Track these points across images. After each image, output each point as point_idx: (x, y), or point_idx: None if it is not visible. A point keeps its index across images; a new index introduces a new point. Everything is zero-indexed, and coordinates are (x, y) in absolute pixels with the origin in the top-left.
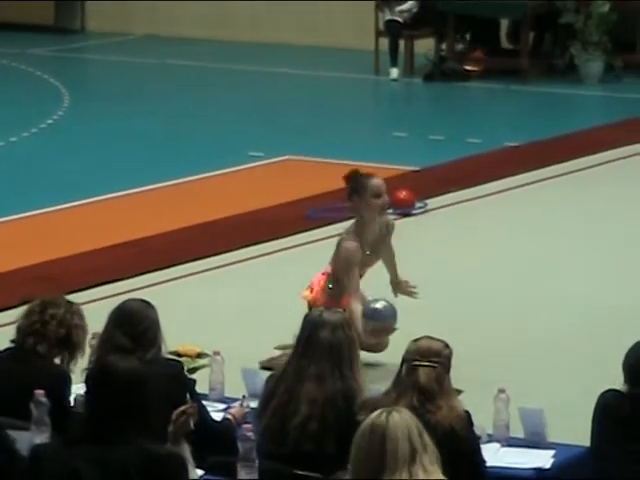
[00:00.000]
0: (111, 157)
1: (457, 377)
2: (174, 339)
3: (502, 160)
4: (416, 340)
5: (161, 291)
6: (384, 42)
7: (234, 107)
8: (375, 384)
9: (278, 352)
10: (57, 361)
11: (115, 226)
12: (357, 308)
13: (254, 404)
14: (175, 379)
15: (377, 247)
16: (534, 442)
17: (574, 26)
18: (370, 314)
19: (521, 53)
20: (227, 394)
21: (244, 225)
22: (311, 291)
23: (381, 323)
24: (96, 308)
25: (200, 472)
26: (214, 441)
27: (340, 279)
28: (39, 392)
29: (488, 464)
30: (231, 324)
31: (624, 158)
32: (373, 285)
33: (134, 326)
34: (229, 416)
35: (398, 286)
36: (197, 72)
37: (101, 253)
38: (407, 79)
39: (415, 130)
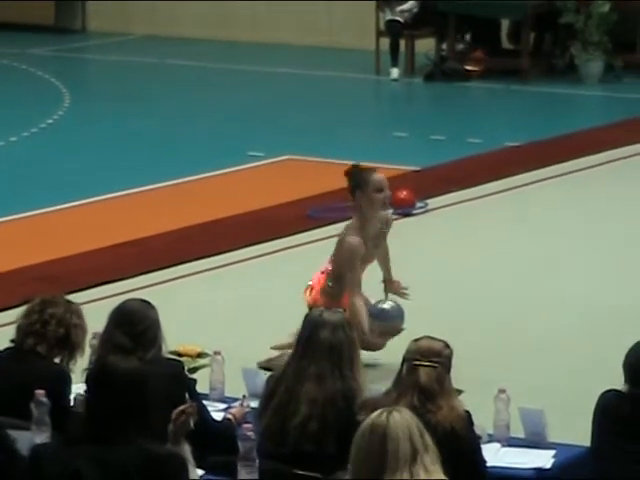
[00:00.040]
0: (111, 157)
1: (457, 377)
2: (174, 339)
3: (503, 160)
4: (417, 340)
5: (162, 291)
6: (385, 42)
7: (234, 107)
8: (375, 384)
9: (275, 352)
10: (57, 361)
11: (115, 226)
12: (359, 304)
13: (254, 404)
14: (175, 379)
15: (378, 242)
16: (534, 442)
17: (574, 26)
18: (377, 314)
19: (522, 53)
20: (227, 394)
21: (245, 225)
22: (311, 290)
23: (388, 324)
24: (97, 308)
25: (200, 472)
26: (214, 441)
27: (342, 275)
28: (39, 392)
29: (488, 464)
30: (232, 324)
31: (624, 158)
32: (364, 283)
33: (134, 326)
34: (229, 416)
35: (390, 285)
36: (197, 72)
37: (101, 253)
38: (408, 79)
39: (416, 130)
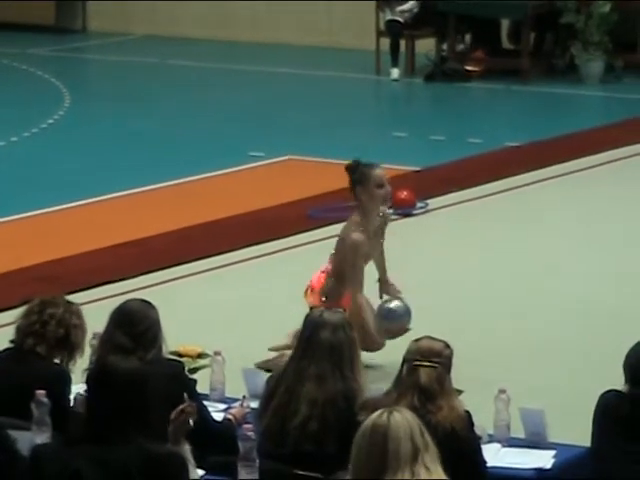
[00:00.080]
0: (111, 157)
1: (458, 377)
2: (175, 339)
3: (503, 160)
4: (417, 340)
5: (162, 291)
6: (385, 42)
7: (234, 107)
8: (375, 384)
9: (273, 354)
10: (57, 361)
11: (116, 226)
12: (363, 301)
13: (254, 404)
14: (176, 379)
15: (377, 238)
16: (535, 442)
17: (575, 26)
18: (385, 314)
19: (522, 53)
20: (228, 394)
21: (245, 225)
22: (311, 291)
23: (396, 323)
24: (97, 308)
25: (201, 472)
26: (215, 441)
27: (343, 273)
28: (40, 392)
29: (489, 464)
30: (232, 324)
31: (625, 158)
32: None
33: (134, 326)
34: (230, 416)
35: (386, 286)
36: (197, 72)
37: (102, 253)
38: (408, 79)
39: (416, 130)
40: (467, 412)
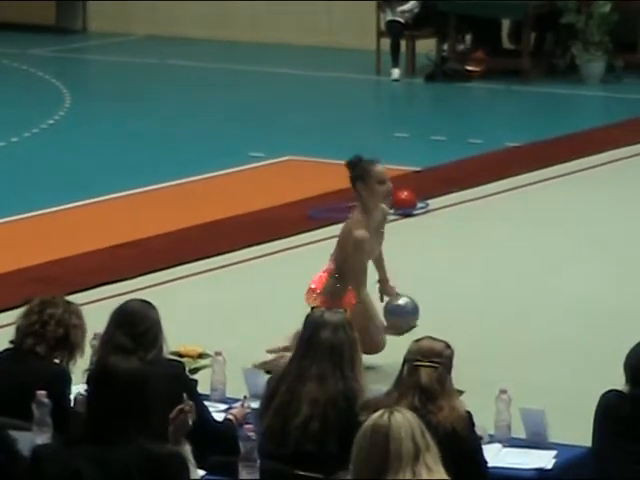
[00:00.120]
0: (111, 157)
1: (458, 377)
2: (175, 340)
3: (503, 160)
4: (418, 340)
5: (162, 292)
6: (385, 42)
7: (234, 107)
8: (376, 385)
9: (270, 356)
10: (56, 361)
11: (115, 226)
12: (368, 296)
13: (255, 404)
14: (176, 379)
15: (378, 235)
16: (535, 442)
17: (575, 26)
18: (393, 310)
19: (522, 53)
20: (229, 394)
21: (245, 225)
22: (312, 291)
23: (404, 319)
24: (97, 309)
25: (201, 472)
26: (215, 441)
27: (347, 270)
28: (41, 393)
29: (489, 465)
30: (233, 324)
31: (625, 158)
32: None
33: (135, 326)
34: (230, 416)
35: (386, 286)
36: (197, 72)
37: (101, 253)
38: (408, 79)
39: (416, 130)
40: (468, 412)
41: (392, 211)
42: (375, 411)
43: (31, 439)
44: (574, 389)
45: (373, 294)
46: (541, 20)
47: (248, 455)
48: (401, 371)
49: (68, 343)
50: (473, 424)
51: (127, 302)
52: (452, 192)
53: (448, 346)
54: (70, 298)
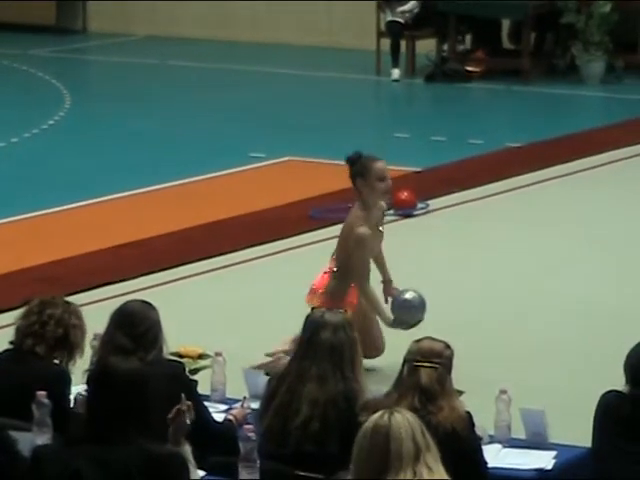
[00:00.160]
0: (112, 158)
1: (458, 378)
2: (176, 340)
3: (504, 161)
4: (418, 341)
5: (163, 292)
6: (385, 42)
7: (234, 107)
8: (375, 385)
9: (269, 359)
10: (56, 361)
11: (117, 227)
12: (372, 290)
13: (255, 405)
14: (176, 380)
15: (378, 232)
16: (535, 443)
17: (575, 26)
18: (400, 304)
19: (522, 53)
20: (228, 395)
21: (247, 225)
22: (314, 291)
23: (411, 313)
24: (98, 309)
25: (201, 473)
26: (215, 442)
27: (349, 268)
28: (41, 393)
29: (489, 465)
30: (233, 325)
31: (626, 159)
32: None
33: (135, 327)
34: (230, 417)
35: (390, 287)
36: (197, 72)
37: (103, 254)
38: (408, 80)
39: (417, 131)
40: (468, 413)
41: (391, 210)
42: (375, 412)
43: (31, 440)
44: (574, 389)
45: (377, 294)
46: (541, 20)
47: (248, 455)
48: (401, 371)
49: (68, 343)
50: (473, 424)
51: (127, 303)
52: (452, 192)
53: (448, 346)
54: (73, 298)
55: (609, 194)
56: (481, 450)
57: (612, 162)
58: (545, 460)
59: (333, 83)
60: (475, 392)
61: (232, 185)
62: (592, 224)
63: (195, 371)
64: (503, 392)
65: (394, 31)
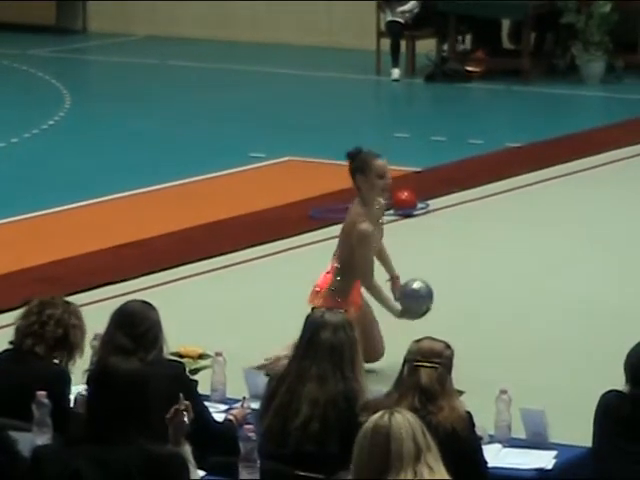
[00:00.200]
0: (112, 158)
1: (458, 378)
2: (176, 340)
3: (504, 161)
4: (418, 341)
5: (164, 292)
6: (385, 42)
7: (234, 107)
8: (376, 386)
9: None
10: (56, 361)
11: (117, 227)
12: (378, 285)
13: (255, 405)
14: (176, 380)
15: (378, 228)
16: (536, 443)
17: (575, 26)
18: (408, 293)
19: (522, 53)
20: (229, 395)
21: (247, 226)
22: (317, 292)
23: (418, 303)
24: (98, 309)
25: (201, 473)
26: (215, 442)
27: (352, 265)
28: (41, 393)
29: (490, 465)
30: (233, 325)
31: (626, 159)
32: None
33: (135, 327)
34: (230, 417)
35: (398, 284)
36: (197, 72)
37: (104, 254)
38: (408, 80)
39: (417, 131)
40: (468, 413)
41: (391, 210)
42: (375, 412)
43: (31, 440)
44: (574, 389)
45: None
46: (541, 20)
47: (248, 455)
48: (401, 371)
49: (67, 343)
50: (473, 424)
51: (127, 303)
52: (452, 192)
53: (448, 346)
54: (73, 298)
55: (610, 194)
56: (481, 450)
57: (612, 162)
58: (545, 460)
59: (333, 83)
60: (475, 392)
61: (232, 185)
62: (593, 224)
63: (195, 371)
64: (503, 392)
65: (394, 31)
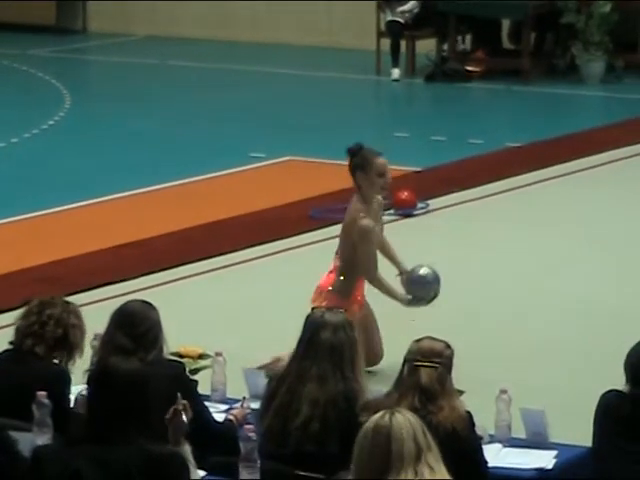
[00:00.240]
0: (112, 158)
1: (458, 377)
2: (176, 340)
3: (504, 160)
4: (418, 340)
5: (164, 292)
6: (385, 42)
7: (234, 107)
8: (376, 386)
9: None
10: (56, 361)
11: (117, 227)
12: (383, 278)
13: (255, 405)
14: (177, 380)
15: (378, 225)
16: (536, 442)
17: (575, 26)
18: (415, 280)
19: (522, 53)
20: (229, 395)
21: (247, 225)
22: (320, 292)
23: (425, 289)
24: (98, 309)
25: (202, 473)
26: (216, 442)
27: (355, 261)
28: (41, 393)
29: (490, 465)
30: (233, 325)
31: (626, 158)
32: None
33: (135, 327)
34: (231, 417)
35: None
36: (197, 72)
37: (104, 254)
38: (408, 79)
39: (417, 131)
40: (468, 412)
41: (391, 210)
42: (376, 412)
43: (31, 440)
44: (574, 389)
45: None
46: (541, 20)
47: (248, 455)
48: (401, 371)
49: (67, 343)
50: (473, 424)
51: (127, 303)
52: (452, 192)
53: (448, 346)
54: (73, 298)
55: (609, 194)
56: (481, 450)
57: (612, 162)
58: (545, 460)
59: (333, 83)
60: (475, 392)
61: (232, 185)
62: (592, 224)
63: (195, 371)
64: (503, 392)
65: (394, 31)
